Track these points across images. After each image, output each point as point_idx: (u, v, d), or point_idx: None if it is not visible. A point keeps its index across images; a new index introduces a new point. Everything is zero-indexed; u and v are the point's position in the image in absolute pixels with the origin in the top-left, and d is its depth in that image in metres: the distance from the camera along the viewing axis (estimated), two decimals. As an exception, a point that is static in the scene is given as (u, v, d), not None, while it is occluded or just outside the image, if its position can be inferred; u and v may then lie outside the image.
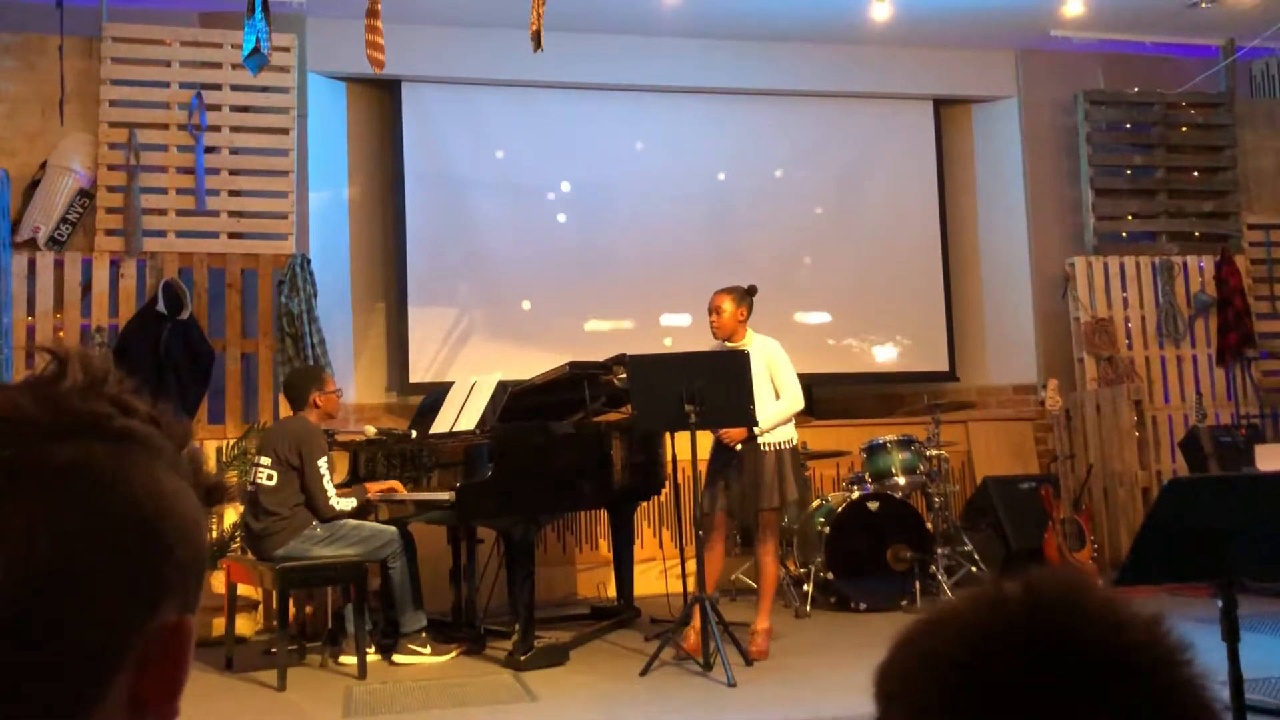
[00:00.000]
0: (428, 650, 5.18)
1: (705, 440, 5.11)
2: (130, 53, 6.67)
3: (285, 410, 6.22)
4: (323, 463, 5.04)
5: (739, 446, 5.04)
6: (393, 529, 5.24)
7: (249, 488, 5.12)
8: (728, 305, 5.11)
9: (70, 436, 0.65)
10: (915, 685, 0.64)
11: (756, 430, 5.00)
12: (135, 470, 0.66)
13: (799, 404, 5.11)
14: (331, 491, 5.04)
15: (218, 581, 5.55)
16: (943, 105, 8.45)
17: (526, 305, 7.62)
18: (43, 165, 6.41)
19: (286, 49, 6.75)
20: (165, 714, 0.67)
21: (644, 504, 6.59)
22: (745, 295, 5.15)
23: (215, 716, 4.29)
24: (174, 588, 0.67)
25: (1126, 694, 0.60)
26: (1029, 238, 8.20)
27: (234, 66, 6.47)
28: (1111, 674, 0.60)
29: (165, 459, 0.69)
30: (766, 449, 5.06)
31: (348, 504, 5.09)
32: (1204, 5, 7.59)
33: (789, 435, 5.14)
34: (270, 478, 5.02)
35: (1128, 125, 8.34)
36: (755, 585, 5.63)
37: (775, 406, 5.03)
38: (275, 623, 5.06)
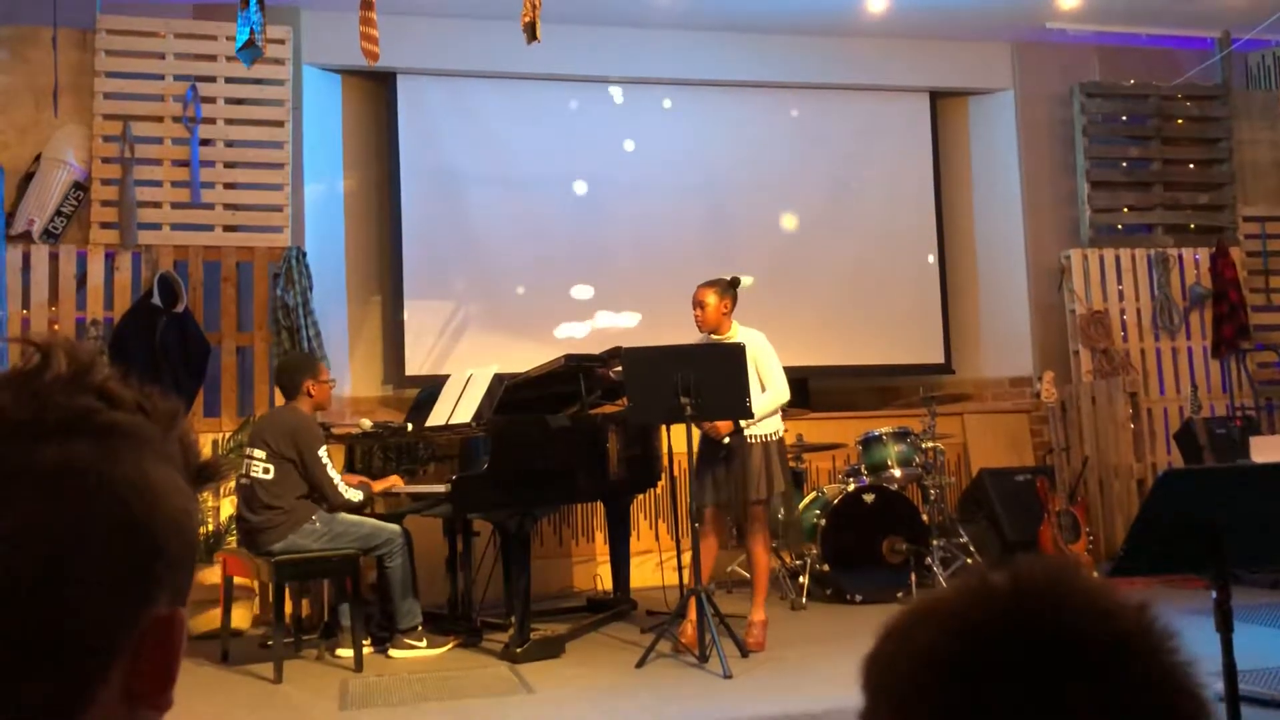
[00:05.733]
0: (424, 644, 5.18)
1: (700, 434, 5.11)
2: (124, 45, 6.66)
3: (280, 402, 6.21)
4: (322, 452, 5.00)
5: (726, 439, 5.04)
6: (395, 526, 5.21)
7: (242, 481, 5.06)
8: (711, 298, 5.10)
9: (54, 436, 0.64)
10: (902, 677, 0.64)
11: (742, 424, 5.00)
12: (122, 468, 0.65)
13: (784, 396, 5.09)
14: (338, 479, 5.00)
15: (214, 575, 5.54)
16: (939, 98, 8.45)
17: (522, 297, 7.61)
18: (37, 158, 6.40)
19: (281, 41, 6.73)
20: (159, 705, 0.67)
21: (640, 496, 6.60)
22: (729, 287, 5.14)
23: (211, 709, 4.29)
24: (165, 583, 0.66)
25: (1113, 682, 0.60)
26: (1024, 230, 8.21)
27: (228, 59, 6.45)
28: (1098, 662, 0.60)
29: (153, 448, 0.68)
30: (753, 442, 5.05)
31: (356, 495, 5.07)
32: (1200, -3, 7.58)
33: (775, 428, 5.13)
34: (266, 471, 4.96)
35: (1123, 117, 8.35)
36: (750, 577, 5.63)
37: (761, 399, 5.00)
38: (271, 616, 5.06)
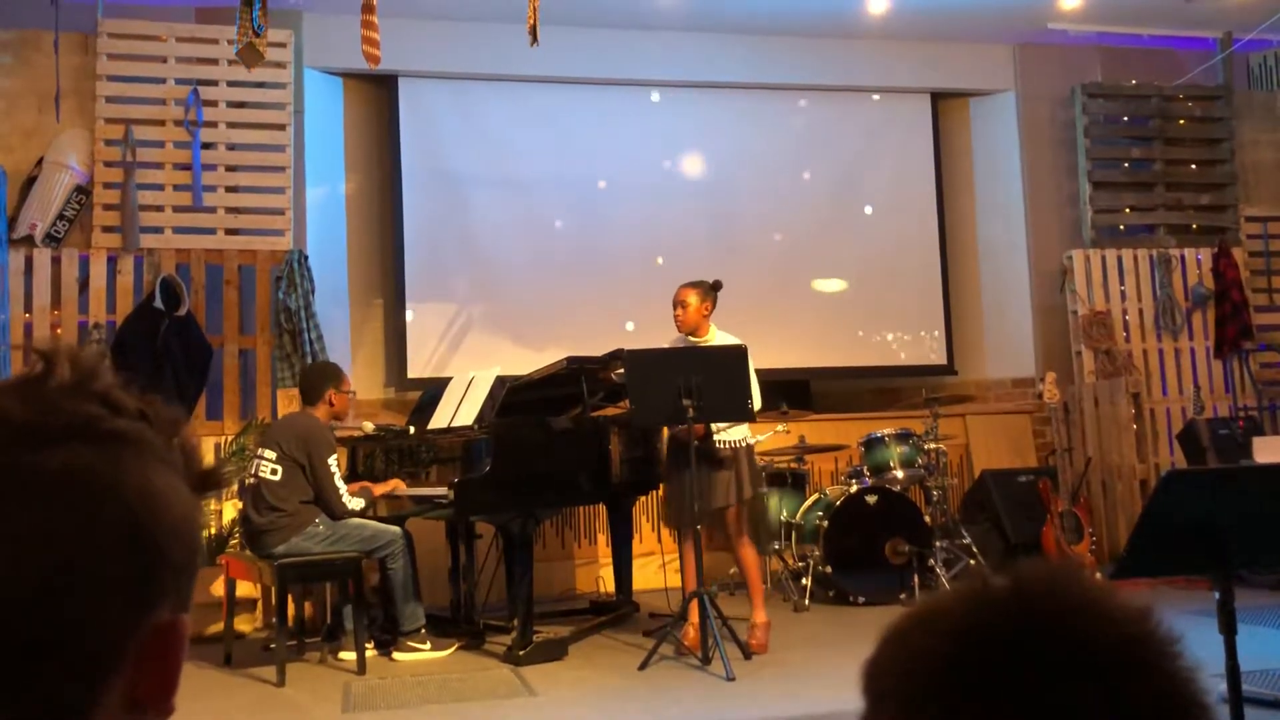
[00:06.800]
0: (427, 646, 5.17)
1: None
2: (126, 49, 6.66)
3: (284, 407, 6.22)
4: (332, 461, 5.01)
5: (695, 443, 5.02)
6: (396, 529, 5.22)
7: (249, 480, 5.07)
8: (693, 299, 5.11)
9: (59, 442, 0.64)
10: (903, 681, 0.64)
11: (713, 428, 4.99)
12: (126, 474, 0.65)
13: (755, 404, 5.08)
14: (343, 489, 5.02)
15: (216, 581, 5.54)
16: (940, 99, 8.45)
17: (524, 300, 7.61)
18: (39, 162, 6.41)
19: (283, 44, 6.74)
20: (161, 712, 0.67)
21: (642, 498, 6.59)
22: (710, 290, 5.16)
23: (214, 712, 4.29)
24: (168, 589, 0.66)
25: (1114, 686, 0.60)
26: (1027, 231, 8.20)
27: (230, 62, 6.45)
28: (1099, 667, 0.60)
29: (156, 455, 0.68)
30: (722, 447, 5.05)
31: (357, 504, 5.08)
32: (1201, -2, 7.58)
33: (743, 434, 5.13)
34: (274, 472, 4.97)
35: (1125, 118, 8.34)
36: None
37: None
38: (274, 619, 5.06)
